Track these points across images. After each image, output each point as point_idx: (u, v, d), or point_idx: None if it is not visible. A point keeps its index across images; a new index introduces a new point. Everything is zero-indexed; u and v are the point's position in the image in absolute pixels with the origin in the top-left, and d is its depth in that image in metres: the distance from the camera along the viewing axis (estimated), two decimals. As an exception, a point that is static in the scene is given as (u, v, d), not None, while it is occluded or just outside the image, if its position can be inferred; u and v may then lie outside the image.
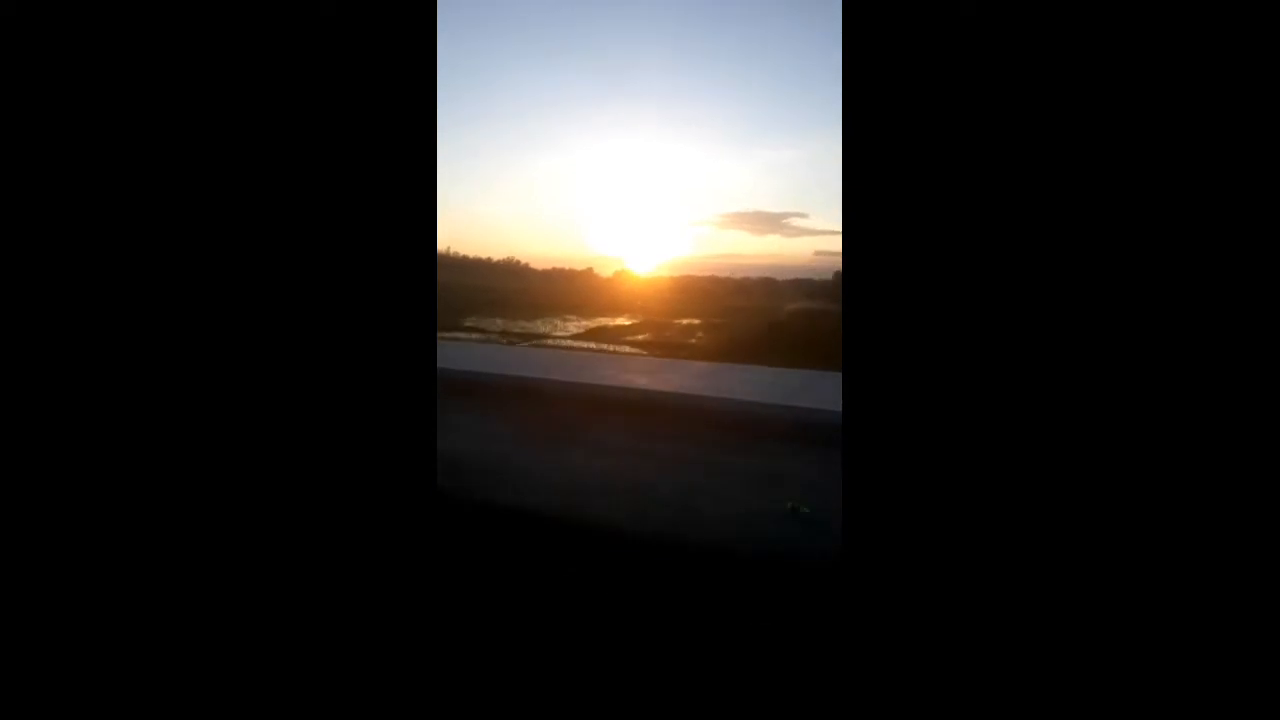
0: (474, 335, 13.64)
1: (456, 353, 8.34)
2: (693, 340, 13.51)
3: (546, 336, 14.18)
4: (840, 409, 1.54)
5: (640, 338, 13.79)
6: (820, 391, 5.57)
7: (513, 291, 26.70)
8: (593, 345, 12.34)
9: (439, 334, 11.98)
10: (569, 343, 12.82)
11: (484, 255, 30.81)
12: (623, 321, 17.27)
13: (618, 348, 12.09)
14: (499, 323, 16.50)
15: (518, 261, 30.79)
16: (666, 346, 12.18)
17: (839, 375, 1.61)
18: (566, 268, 29.73)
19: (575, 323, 17.41)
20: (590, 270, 29.17)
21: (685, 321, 16.92)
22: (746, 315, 17.97)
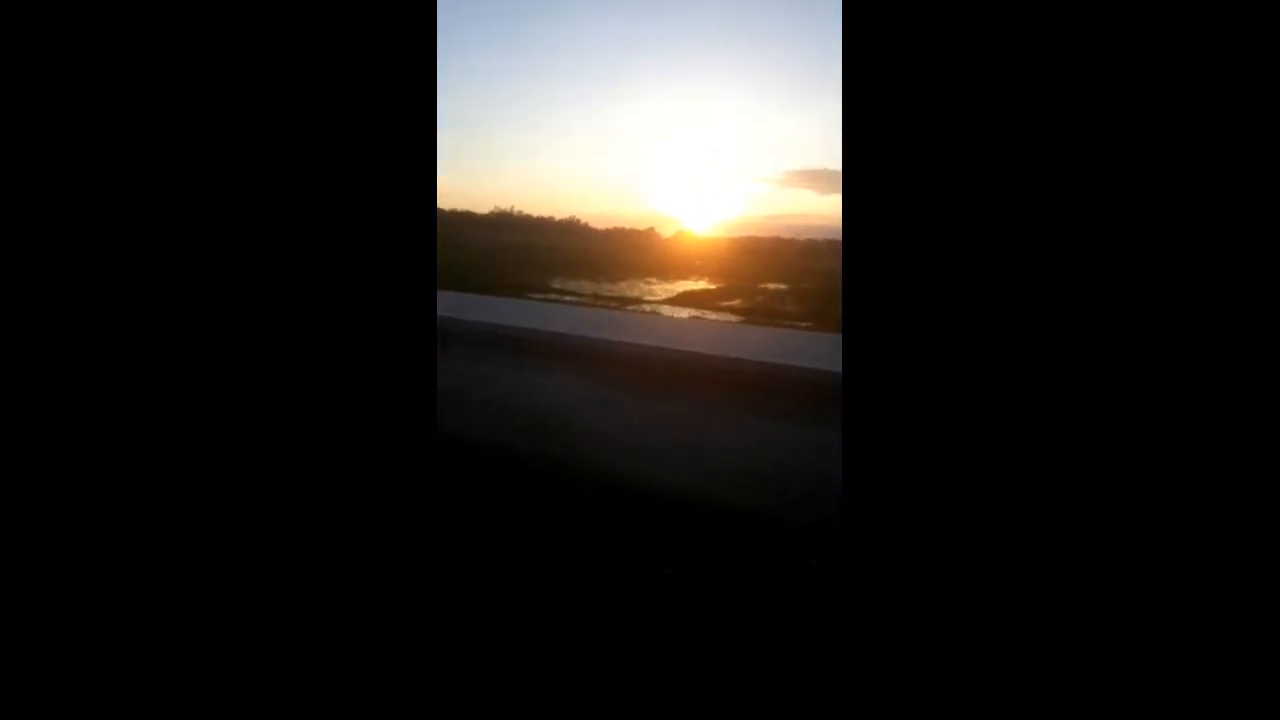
0: (568, 298, 13.79)
1: (629, 324, 8.49)
2: (787, 307, 13.43)
3: (640, 301, 14.24)
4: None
5: (734, 303, 13.75)
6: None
7: (578, 251, 26.73)
8: (694, 311, 12.37)
9: (538, 296, 12.17)
10: (667, 309, 12.87)
11: (547, 214, 30.81)
12: (706, 285, 17.21)
13: (723, 315, 12.10)
14: (586, 285, 16.60)
15: (578, 221, 30.74)
16: (778, 315, 12.13)
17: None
18: (628, 227, 29.59)
19: (659, 285, 17.42)
20: (652, 230, 28.98)
21: (772, 286, 16.78)
22: (833, 280, 17.74)
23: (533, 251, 23.32)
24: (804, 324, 10.75)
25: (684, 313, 12.17)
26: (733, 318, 11.80)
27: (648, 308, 13.00)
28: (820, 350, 7.30)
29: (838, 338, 8.22)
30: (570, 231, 29.91)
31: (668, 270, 21.08)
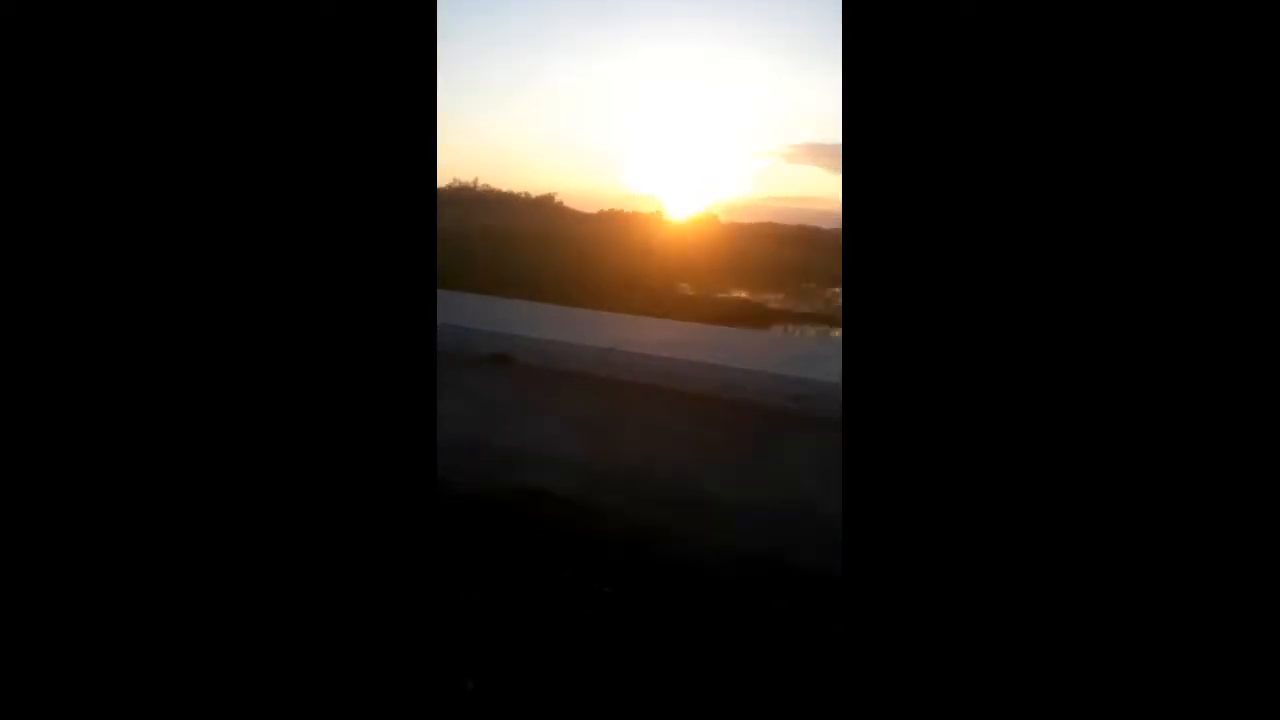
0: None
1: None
2: None
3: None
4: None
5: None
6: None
7: (565, 239, 18.96)
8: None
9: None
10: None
11: (519, 190, 22.35)
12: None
13: None
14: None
15: (554, 199, 22.55)
16: None
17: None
18: (626, 209, 22.15)
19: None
20: (659, 214, 21.88)
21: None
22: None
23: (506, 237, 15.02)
24: None
25: None
26: None
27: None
28: None
29: None
30: (548, 211, 21.64)
31: (775, 274, 14.57)
